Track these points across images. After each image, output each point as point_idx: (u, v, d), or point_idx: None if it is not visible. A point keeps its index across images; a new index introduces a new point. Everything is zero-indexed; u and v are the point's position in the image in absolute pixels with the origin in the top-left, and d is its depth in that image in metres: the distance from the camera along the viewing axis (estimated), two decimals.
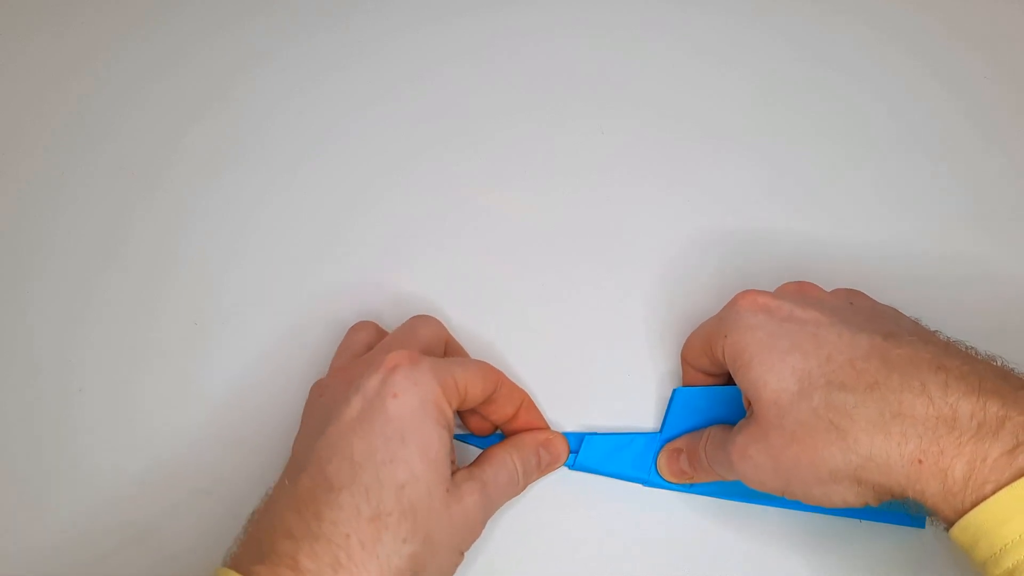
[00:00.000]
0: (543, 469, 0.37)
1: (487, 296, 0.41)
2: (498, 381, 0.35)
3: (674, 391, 0.38)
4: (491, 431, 0.38)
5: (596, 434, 0.38)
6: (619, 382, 0.39)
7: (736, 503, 0.37)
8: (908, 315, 0.33)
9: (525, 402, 0.37)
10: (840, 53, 0.46)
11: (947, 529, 0.28)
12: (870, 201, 0.43)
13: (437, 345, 0.37)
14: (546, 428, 0.38)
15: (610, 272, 0.42)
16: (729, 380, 0.37)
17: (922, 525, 0.36)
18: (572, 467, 0.37)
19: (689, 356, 0.37)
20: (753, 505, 0.37)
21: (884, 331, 0.30)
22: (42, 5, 0.49)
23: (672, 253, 0.42)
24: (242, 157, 0.45)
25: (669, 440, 0.37)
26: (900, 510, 0.35)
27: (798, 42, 0.47)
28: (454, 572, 0.32)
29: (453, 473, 0.32)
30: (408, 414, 0.31)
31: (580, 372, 0.40)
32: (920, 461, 0.27)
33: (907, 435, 0.27)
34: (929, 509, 0.28)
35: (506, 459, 0.35)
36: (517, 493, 0.36)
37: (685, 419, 0.38)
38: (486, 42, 0.47)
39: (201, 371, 0.40)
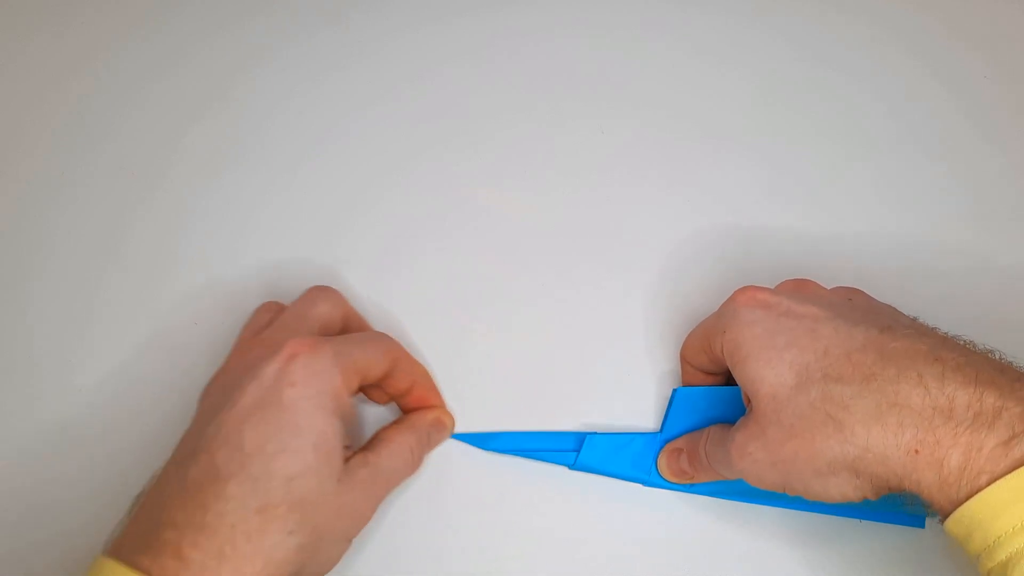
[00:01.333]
0: (432, 446, 0.37)
1: (487, 296, 0.41)
2: (397, 356, 0.35)
3: (674, 391, 0.38)
4: (387, 402, 0.38)
5: (597, 434, 0.38)
6: (619, 382, 0.39)
7: (736, 503, 0.37)
8: (906, 314, 0.33)
9: (421, 378, 0.37)
10: (840, 53, 0.46)
11: (942, 522, 0.28)
12: (870, 201, 0.43)
13: (335, 321, 0.37)
14: (439, 405, 0.38)
15: (610, 272, 0.42)
16: (728, 379, 0.37)
17: (922, 525, 0.36)
18: (573, 467, 0.37)
19: (688, 355, 0.37)
20: (753, 505, 0.37)
21: (881, 325, 0.30)
22: (42, 5, 0.49)
23: (672, 253, 0.42)
24: (242, 157, 0.45)
25: (669, 440, 0.37)
26: (900, 509, 0.35)
27: (798, 42, 0.47)
28: (340, 558, 0.33)
29: (347, 460, 0.32)
30: (304, 405, 0.31)
31: (580, 372, 0.40)
32: (916, 451, 0.27)
33: (904, 425, 0.28)
34: (926, 501, 0.28)
35: (401, 443, 0.35)
36: (411, 475, 0.36)
37: (685, 419, 0.38)
38: (486, 42, 0.47)
39: (201, 371, 0.40)
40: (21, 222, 0.43)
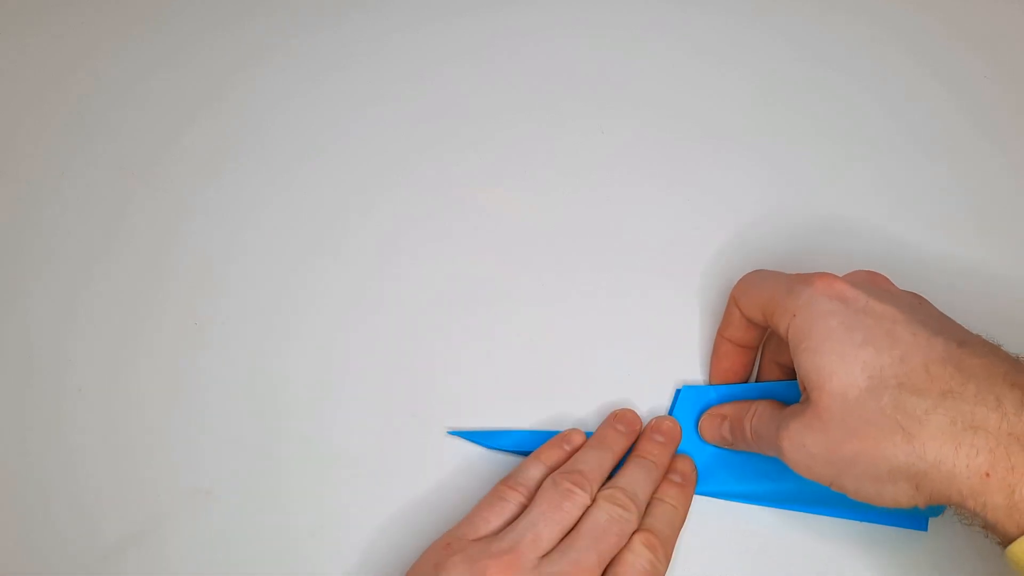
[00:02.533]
0: None
1: (487, 295, 0.41)
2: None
3: (678, 390, 0.38)
4: None
5: None
6: (620, 382, 0.39)
7: (735, 503, 0.37)
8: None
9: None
10: (840, 53, 0.46)
11: (1001, 544, 0.28)
12: (870, 201, 0.43)
13: None
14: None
15: (610, 272, 0.42)
16: (762, 335, 0.37)
17: (924, 527, 0.36)
18: None
19: (743, 302, 0.36)
20: (752, 505, 0.37)
21: (958, 338, 0.30)
22: (42, 5, 0.49)
23: (672, 253, 0.42)
24: (242, 157, 0.45)
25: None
26: (903, 512, 0.35)
27: (798, 42, 0.47)
28: None
29: None
30: None
31: (580, 372, 0.40)
32: (988, 475, 0.27)
33: (978, 448, 0.27)
34: (989, 521, 0.28)
35: None
36: None
37: (689, 417, 0.38)
38: (486, 42, 0.47)
39: (201, 371, 0.40)
40: (21, 222, 0.43)
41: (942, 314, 0.33)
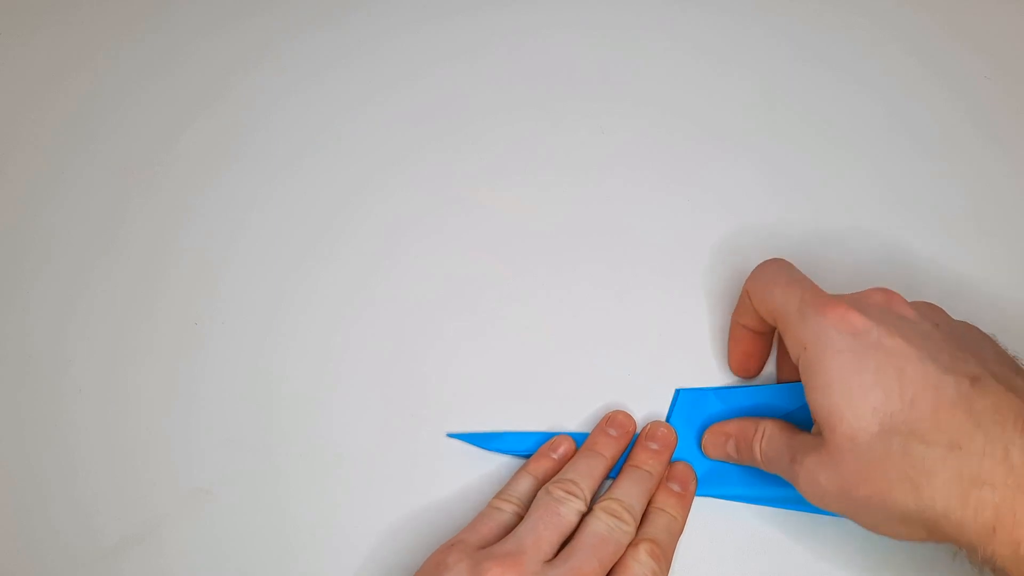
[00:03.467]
0: None
1: (486, 296, 0.41)
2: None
3: (677, 391, 0.38)
4: None
5: None
6: (620, 382, 0.39)
7: (734, 503, 0.37)
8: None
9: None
10: (840, 53, 0.46)
11: None
12: (870, 201, 0.43)
13: None
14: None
15: (610, 271, 0.42)
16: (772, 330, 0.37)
17: None
18: None
19: (755, 299, 0.35)
20: (751, 505, 0.37)
21: (971, 373, 0.29)
22: (41, 5, 0.49)
23: (672, 252, 0.42)
24: (241, 156, 0.45)
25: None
26: None
27: (798, 42, 0.47)
28: None
29: None
30: None
31: (580, 372, 0.40)
32: (995, 529, 0.27)
33: (984, 503, 0.27)
34: (998, 567, 0.28)
35: None
36: None
37: (688, 420, 0.38)
38: (486, 41, 0.47)
39: (200, 371, 0.40)
40: (20, 222, 0.43)
41: (959, 333, 0.32)
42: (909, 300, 0.34)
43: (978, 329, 0.33)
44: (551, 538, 0.33)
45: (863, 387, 0.29)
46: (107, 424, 0.39)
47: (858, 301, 0.32)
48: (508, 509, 0.35)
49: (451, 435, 0.38)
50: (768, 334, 0.38)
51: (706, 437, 0.37)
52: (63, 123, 0.46)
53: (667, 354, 0.40)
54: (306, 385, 0.40)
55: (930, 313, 0.33)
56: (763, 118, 0.45)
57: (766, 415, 0.37)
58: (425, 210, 0.43)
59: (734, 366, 0.39)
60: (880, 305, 0.32)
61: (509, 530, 0.34)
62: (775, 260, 0.36)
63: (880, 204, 0.43)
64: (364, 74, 0.46)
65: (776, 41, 0.47)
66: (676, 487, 0.36)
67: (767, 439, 0.34)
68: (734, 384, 0.39)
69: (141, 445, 0.39)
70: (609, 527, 0.33)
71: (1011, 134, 0.44)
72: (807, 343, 0.31)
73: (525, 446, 0.38)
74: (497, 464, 0.38)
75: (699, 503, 0.37)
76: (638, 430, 0.38)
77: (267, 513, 0.38)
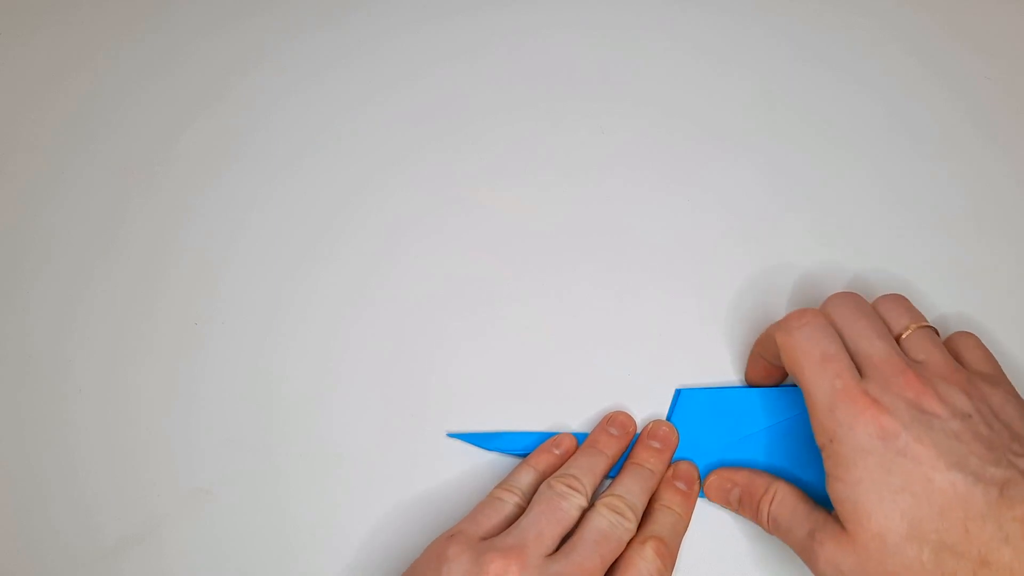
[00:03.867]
0: None
1: (486, 296, 0.41)
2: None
3: (677, 391, 0.38)
4: None
5: None
6: (620, 382, 0.39)
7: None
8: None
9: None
10: (840, 53, 0.46)
11: None
12: (870, 201, 0.43)
13: None
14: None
15: (610, 271, 0.42)
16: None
17: None
18: None
19: (784, 355, 0.34)
20: None
21: (1000, 479, 0.29)
22: (41, 5, 0.49)
23: (672, 253, 0.42)
24: (241, 156, 0.45)
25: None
26: None
27: (798, 42, 0.47)
28: None
29: None
30: None
31: (580, 372, 0.40)
32: None
33: None
34: None
35: None
36: None
37: (689, 420, 0.38)
38: (485, 41, 0.47)
39: (200, 371, 0.40)
40: (20, 222, 0.43)
41: (988, 419, 0.31)
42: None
43: (1015, 399, 0.32)
44: (553, 532, 0.33)
45: (892, 490, 0.29)
46: (107, 424, 0.39)
47: (887, 388, 0.31)
48: (510, 500, 0.35)
49: (451, 435, 0.38)
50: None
51: (712, 479, 0.36)
52: (63, 123, 0.46)
53: (667, 354, 0.40)
54: (306, 385, 0.40)
55: (962, 401, 0.31)
56: (763, 118, 0.45)
57: (765, 417, 0.37)
58: (425, 210, 0.43)
59: (749, 380, 0.39)
60: (910, 401, 0.31)
61: (510, 521, 0.34)
62: (808, 322, 0.33)
63: (880, 204, 0.43)
64: (364, 74, 0.46)
65: (776, 41, 0.47)
66: (682, 485, 0.36)
67: (778, 502, 0.34)
68: (734, 385, 0.39)
69: (141, 445, 0.39)
70: (611, 523, 0.33)
71: (1011, 134, 0.44)
72: (834, 437, 0.31)
73: (525, 446, 0.38)
74: (497, 464, 0.38)
75: (700, 503, 0.37)
76: (638, 431, 0.38)
77: (267, 513, 0.38)
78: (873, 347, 0.32)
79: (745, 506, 0.35)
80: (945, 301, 0.40)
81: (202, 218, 0.43)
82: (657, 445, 0.37)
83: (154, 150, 0.45)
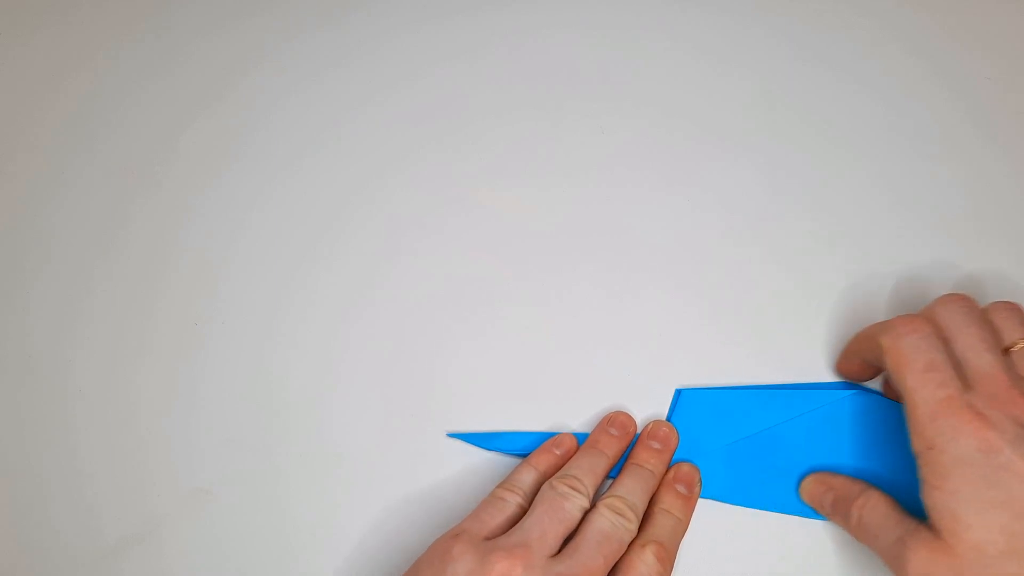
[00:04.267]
0: None
1: (486, 295, 0.41)
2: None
3: (677, 392, 0.38)
4: None
5: None
6: (620, 383, 0.39)
7: (730, 506, 0.37)
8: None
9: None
10: (840, 53, 0.46)
11: None
12: (870, 201, 0.43)
13: None
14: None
15: (610, 272, 0.42)
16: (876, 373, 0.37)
17: None
18: None
19: (886, 361, 0.33)
20: (747, 508, 0.37)
21: None
22: (41, 5, 0.49)
23: (672, 253, 0.42)
24: (241, 156, 0.45)
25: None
26: None
27: (798, 42, 0.47)
28: None
29: None
30: None
31: (580, 372, 0.40)
32: None
33: None
34: None
35: None
36: None
37: (689, 421, 0.38)
38: (485, 41, 0.47)
39: (201, 371, 0.40)
40: (20, 222, 0.43)
41: None
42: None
43: None
44: (556, 532, 0.33)
45: (993, 503, 0.29)
46: (107, 424, 0.39)
47: (992, 403, 0.31)
48: (512, 500, 0.35)
49: (451, 435, 0.38)
50: (881, 368, 0.37)
51: (808, 482, 0.36)
52: (63, 123, 0.46)
53: (667, 354, 0.40)
54: (306, 385, 0.40)
55: None
56: (763, 118, 0.45)
57: (766, 417, 0.37)
58: (425, 210, 0.43)
59: (840, 372, 0.38)
60: (1016, 419, 0.31)
61: (513, 521, 0.34)
62: (916, 329, 0.33)
63: (880, 204, 0.43)
64: (364, 74, 0.46)
65: (776, 41, 0.47)
66: (682, 489, 0.36)
67: (870, 508, 0.34)
68: (734, 385, 0.39)
69: (141, 445, 0.39)
70: (613, 524, 0.33)
71: (1011, 134, 0.44)
72: (934, 445, 0.31)
73: (525, 446, 0.38)
74: (497, 464, 0.38)
75: (700, 504, 0.37)
76: (638, 431, 0.38)
77: (267, 513, 0.38)
78: (981, 360, 0.32)
79: (837, 509, 0.35)
80: None
81: (202, 218, 0.43)
82: (657, 446, 0.37)
83: (154, 150, 0.45)
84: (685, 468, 0.37)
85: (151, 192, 0.44)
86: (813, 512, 0.36)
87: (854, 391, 0.37)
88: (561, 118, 0.45)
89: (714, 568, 0.36)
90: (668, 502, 0.36)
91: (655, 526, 0.35)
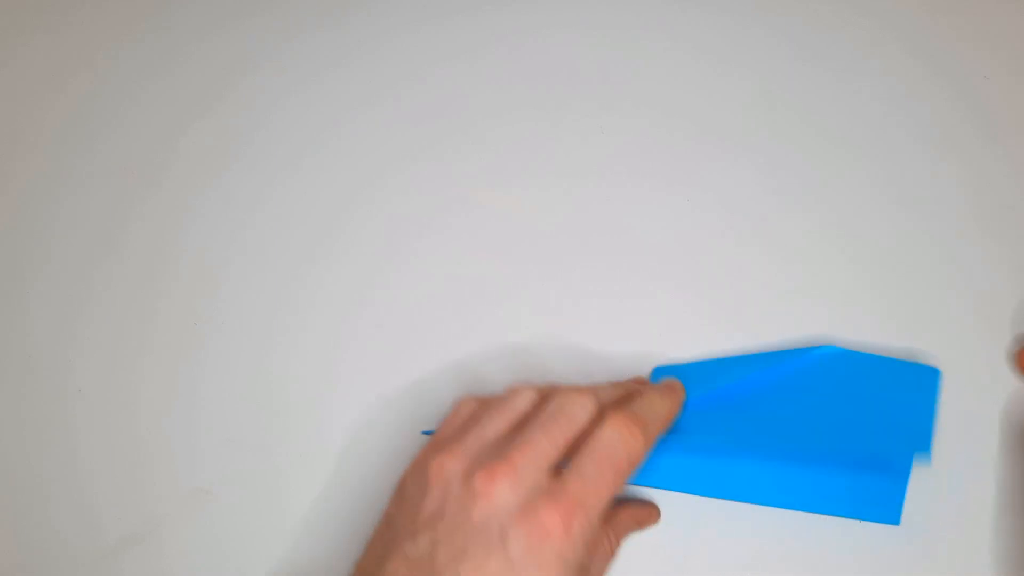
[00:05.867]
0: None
1: (486, 295, 0.41)
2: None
3: (654, 370, 0.38)
4: None
5: None
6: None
7: (735, 506, 0.37)
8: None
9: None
10: (840, 53, 0.46)
11: None
12: (870, 201, 0.43)
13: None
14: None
15: (610, 272, 0.42)
16: None
17: (896, 521, 0.35)
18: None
19: None
20: (749, 511, 0.37)
21: None
22: (41, 5, 0.49)
23: (672, 253, 0.42)
24: (241, 157, 0.45)
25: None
26: (874, 506, 0.35)
27: (798, 42, 0.47)
28: None
29: None
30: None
31: (580, 372, 0.40)
32: None
33: None
34: None
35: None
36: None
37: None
38: (485, 41, 0.47)
39: (201, 371, 0.40)
40: (21, 222, 0.43)
41: None
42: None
43: None
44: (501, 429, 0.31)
45: None
46: (107, 424, 0.39)
47: None
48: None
49: None
50: None
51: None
52: (63, 123, 0.46)
53: (667, 354, 0.40)
54: (306, 385, 0.40)
55: None
56: (763, 118, 0.45)
57: (745, 384, 0.37)
58: (425, 210, 0.43)
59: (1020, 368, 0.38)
60: None
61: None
62: None
63: (880, 204, 0.43)
64: (364, 74, 0.46)
65: (776, 41, 0.47)
66: (665, 384, 0.35)
67: None
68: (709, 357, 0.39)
69: (141, 445, 0.39)
70: (559, 404, 0.31)
71: (1011, 134, 0.44)
72: None
73: None
74: None
75: (698, 507, 0.37)
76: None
77: (267, 513, 0.38)
78: None
79: None
80: (945, 301, 0.40)
81: (202, 218, 0.43)
82: (664, 387, 0.35)
83: (154, 150, 0.45)
84: (667, 379, 0.36)
85: (151, 192, 0.44)
86: (781, 497, 0.36)
87: (824, 347, 0.38)
88: (561, 118, 0.45)
89: (714, 568, 0.36)
90: (651, 392, 0.34)
91: (633, 404, 0.32)
